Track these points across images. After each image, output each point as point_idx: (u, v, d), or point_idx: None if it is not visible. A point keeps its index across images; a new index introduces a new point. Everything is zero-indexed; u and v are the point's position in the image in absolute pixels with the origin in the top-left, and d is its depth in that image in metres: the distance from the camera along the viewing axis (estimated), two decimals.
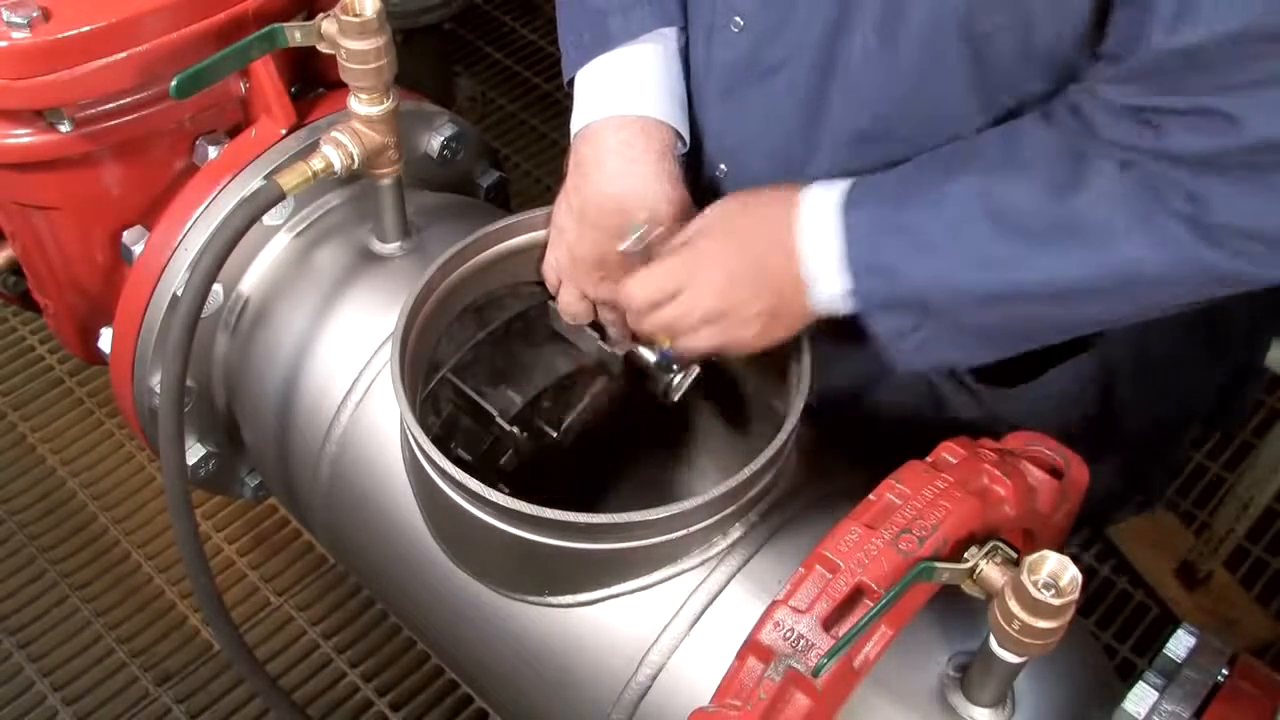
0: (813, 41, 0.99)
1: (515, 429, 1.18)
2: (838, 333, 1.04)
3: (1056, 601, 0.80)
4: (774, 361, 1.17)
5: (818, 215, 1.00)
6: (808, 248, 1.00)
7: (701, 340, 1.07)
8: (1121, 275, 0.90)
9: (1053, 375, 1.12)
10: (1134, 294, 0.93)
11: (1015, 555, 0.87)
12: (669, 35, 1.12)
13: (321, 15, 1.22)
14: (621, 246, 1.10)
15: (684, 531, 1.05)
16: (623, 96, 1.10)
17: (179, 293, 1.31)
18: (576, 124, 1.12)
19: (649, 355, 1.17)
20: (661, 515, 1.02)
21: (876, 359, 1.03)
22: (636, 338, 1.16)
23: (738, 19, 1.03)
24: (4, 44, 1.17)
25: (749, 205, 1.05)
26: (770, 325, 1.05)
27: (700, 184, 1.18)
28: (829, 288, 1.00)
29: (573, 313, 1.19)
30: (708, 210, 1.07)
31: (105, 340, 1.44)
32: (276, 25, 1.22)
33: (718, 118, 1.12)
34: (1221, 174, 0.84)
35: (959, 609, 0.95)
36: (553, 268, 1.19)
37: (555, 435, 1.26)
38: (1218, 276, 0.89)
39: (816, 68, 1.00)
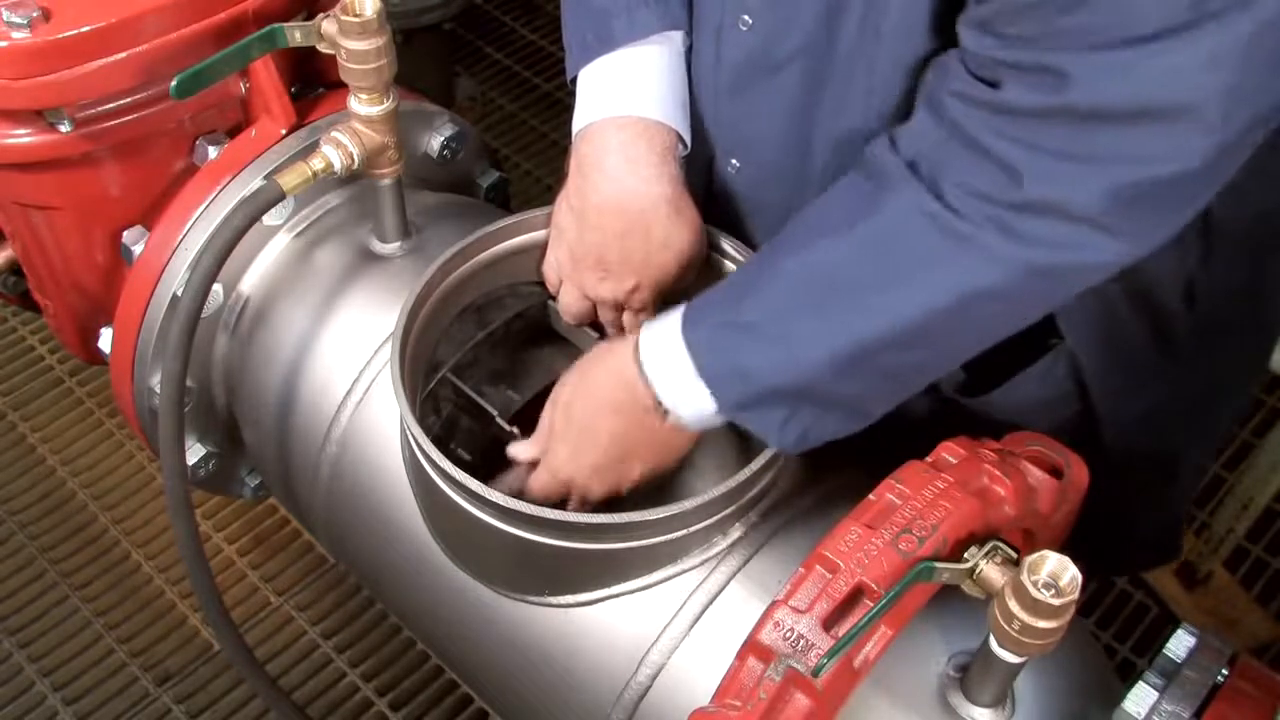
0: (817, 36, 1.00)
1: (515, 429, 1.18)
2: None
3: (1056, 601, 0.80)
4: None
5: (659, 347, 1.02)
6: (657, 381, 1.02)
7: (598, 494, 1.11)
8: (951, 296, 0.89)
9: (1020, 379, 1.12)
10: (971, 315, 0.92)
11: (1015, 555, 0.87)
12: (673, 38, 1.12)
13: (321, 15, 1.22)
14: None
15: (684, 531, 1.05)
16: (625, 97, 1.10)
17: (179, 293, 1.31)
18: (578, 124, 1.12)
19: None
20: (661, 515, 1.02)
21: None
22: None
23: (746, 17, 1.04)
24: (4, 44, 1.17)
25: (590, 370, 1.09)
26: (660, 457, 1.09)
27: (711, 181, 1.18)
28: (695, 407, 1.01)
29: (573, 313, 1.19)
30: (556, 391, 1.11)
31: (105, 340, 1.44)
32: (276, 25, 1.22)
33: (728, 114, 1.12)
34: (1042, 135, 0.83)
35: (959, 609, 0.95)
36: (553, 267, 1.19)
37: None
38: (1036, 272, 0.87)
39: (821, 62, 1.01)
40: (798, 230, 0.98)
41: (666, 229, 1.10)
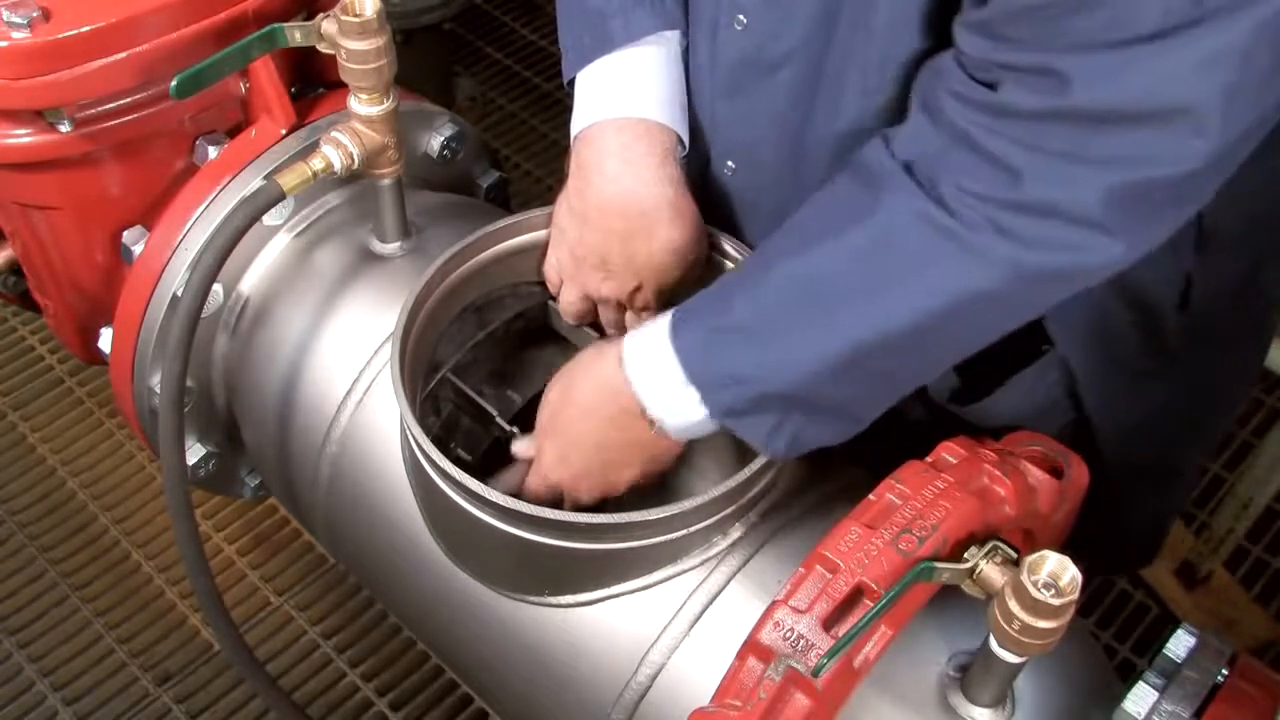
0: (812, 36, 1.00)
1: (515, 429, 1.18)
2: None
3: (1056, 601, 0.80)
4: None
5: (645, 354, 1.01)
6: (644, 390, 1.01)
7: (586, 500, 1.12)
8: (947, 298, 0.89)
9: (1010, 386, 1.11)
10: (966, 318, 0.91)
11: (1015, 555, 0.87)
12: (670, 38, 1.12)
13: (321, 15, 1.22)
14: None
15: (684, 531, 1.05)
16: (623, 99, 1.10)
17: (179, 293, 1.31)
18: (576, 126, 1.12)
19: None
20: (661, 515, 1.02)
21: None
22: None
23: (741, 17, 1.04)
24: (4, 44, 1.17)
25: (576, 377, 1.08)
26: (647, 465, 1.09)
27: (707, 182, 1.18)
28: (683, 415, 1.01)
29: (574, 313, 1.19)
30: (546, 393, 1.11)
31: (105, 340, 1.44)
32: (276, 25, 1.22)
33: (724, 115, 1.12)
34: (1042, 137, 0.83)
35: (959, 609, 0.96)
36: (554, 268, 1.19)
37: None
38: (1033, 274, 0.87)
39: (815, 62, 1.01)
40: (790, 233, 0.98)
41: (668, 230, 1.10)
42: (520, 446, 1.16)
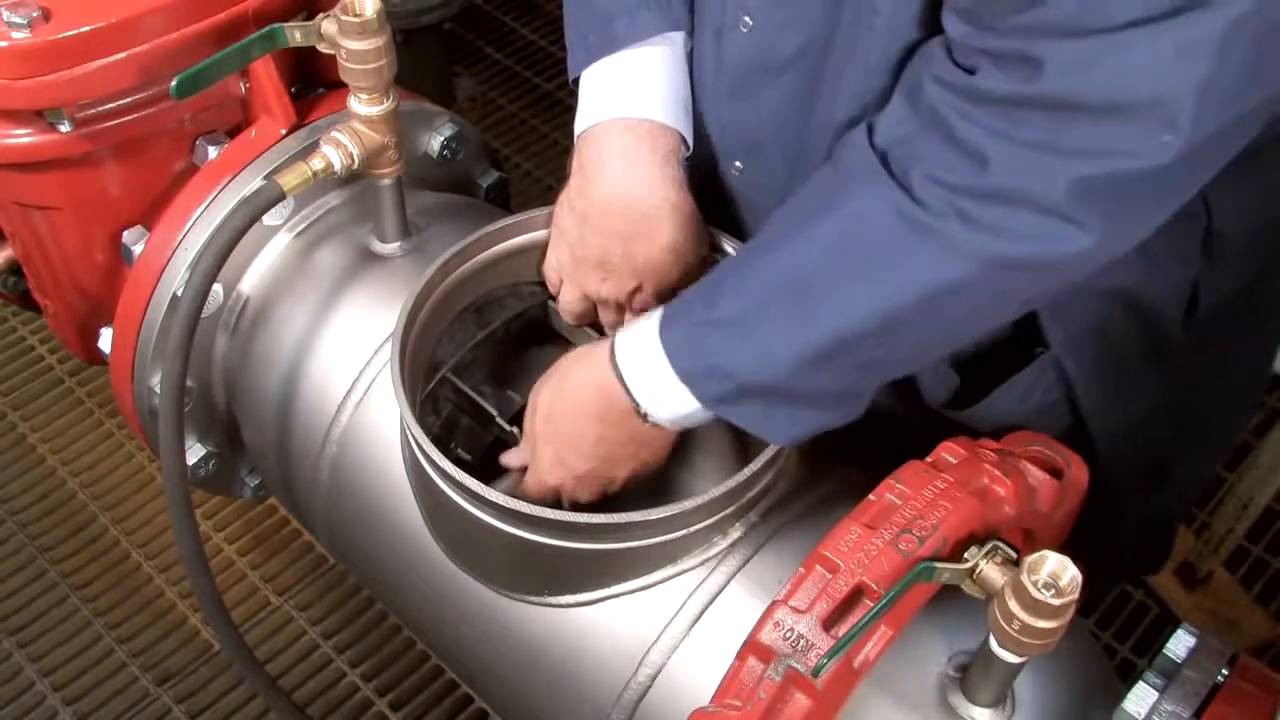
0: (816, 36, 1.00)
1: (515, 429, 1.18)
2: None
3: (1056, 601, 0.80)
4: None
5: (635, 351, 1.02)
6: (635, 386, 1.02)
7: (585, 498, 1.12)
8: (917, 291, 0.89)
9: (1004, 391, 1.11)
10: (940, 310, 0.91)
11: (1015, 555, 0.87)
12: (675, 39, 1.12)
13: (321, 15, 1.22)
14: None
15: (684, 531, 1.05)
16: (628, 99, 1.10)
17: (179, 293, 1.31)
18: (581, 125, 1.12)
19: None
20: (661, 515, 1.02)
21: None
22: None
23: (746, 19, 1.04)
24: (4, 44, 1.17)
25: (567, 377, 1.09)
26: (644, 458, 1.10)
27: (714, 183, 1.18)
28: (674, 408, 1.01)
29: (574, 313, 1.19)
30: (533, 398, 1.11)
31: (105, 340, 1.44)
32: (276, 25, 1.22)
33: (731, 116, 1.12)
34: (1013, 123, 0.82)
35: (959, 609, 0.95)
36: (554, 268, 1.19)
37: None
38: (1002, 264, 0.86)
39: (819, 61, 1.01)
40: (771, 226, 0.98)
41: (670, 232, 1.10)
42: (512, 457, 1.16)
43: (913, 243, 0.87)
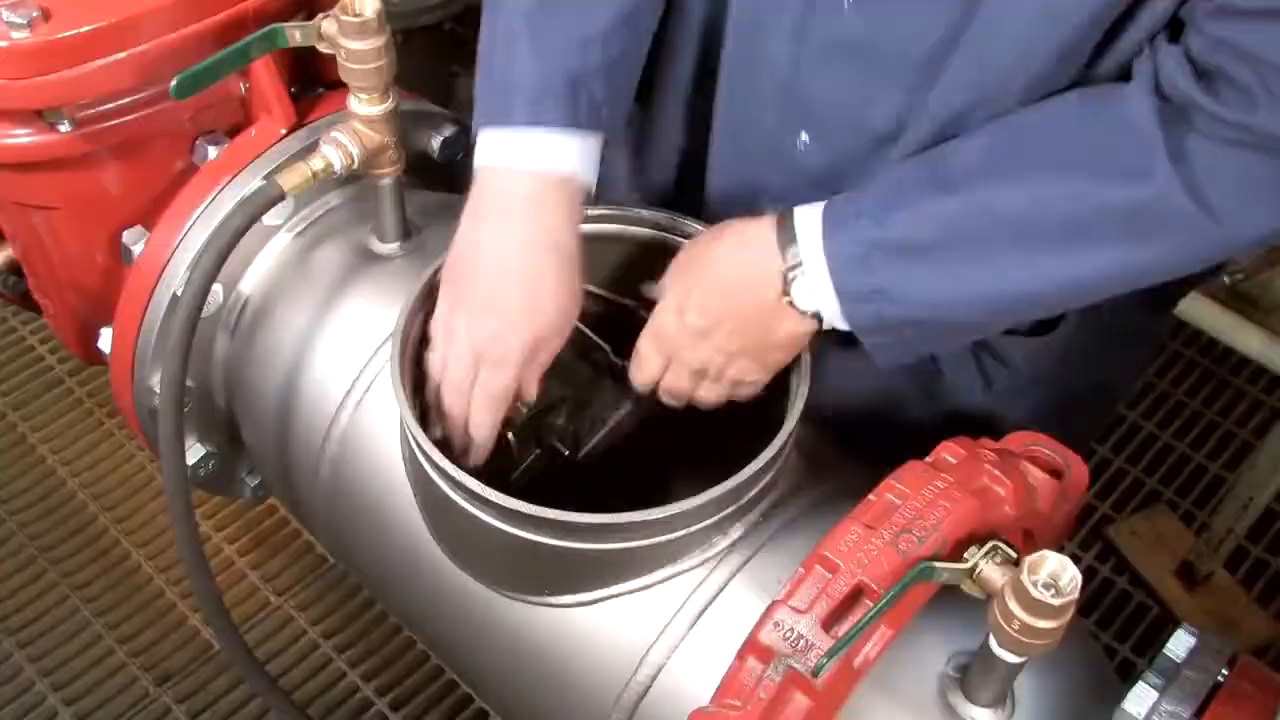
0: (935, 25, 0.94)
1: (510, 435, 1.18)
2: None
3: (1056, 601, 0.80)
4: None
5: (801, 246, 0.99)
6: (796, 286, 1.00)
7: (712, 396, 1.11)
8: (1180, 262, 0.92)
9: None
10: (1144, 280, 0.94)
11: (1015, 555, 0.87)
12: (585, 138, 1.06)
13: (321, 15, 1.22)
14: None
15: (684, 531, 1.05)
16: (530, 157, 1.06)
17: (179, 293, 1.31)
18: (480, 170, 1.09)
19: None
20: (661, 515, 1.02)
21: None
22: None
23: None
24: (4, 44, 1.17)
25: (724, 252, 1.05)
26: (777, 359, 1.07)
27: (777, 151, 1.11)
28: (827, 314, 1.01)
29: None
30: (678, 269, 1.07)
31: (105, 340, 1.44)
32: (276, 25, 1.22)
33: (808, 85, 1.05)
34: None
35: (959, 609, 0.95)
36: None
37: (567, 454, 1.25)
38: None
39: (941, 40, 0.95)
40: (999, 157, 0.93)
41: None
42: (642, 372, 1.12)
43: (1204, 227, 0.87)
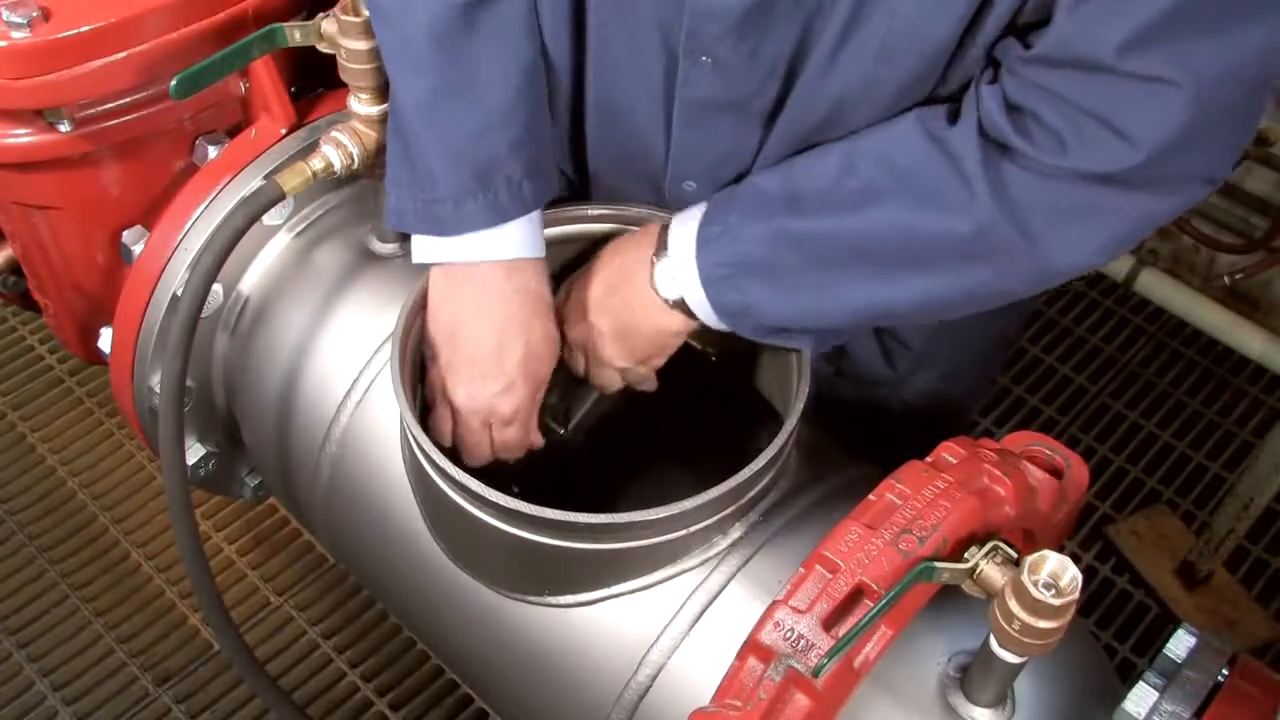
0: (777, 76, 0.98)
1: None
2: None
3: (1056, 601, 0.80)
4: (776, 363, 1.17)
5: (672, 266, 1.07)
6: (667, 292, 1.08)
7: (603, 380, 1.18)
8: (992, 288, 0.98)
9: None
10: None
11: (1015, 555, 0.87)
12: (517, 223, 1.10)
13: (321, 15, 1.22)
14: None
15: (684, 531, 1.05)
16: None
17: (179, 293, 1.31)
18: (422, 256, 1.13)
19: None
20: (661, 515, 1.02)
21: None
22: None
23: (706, 59, 0.97)
24: (4, 44, 1.17)
25: (615, 263, 1.13)
26: (644, 349, 1.14)
27: (664, 199, 1.15)
28: (701, 315, 1.08)
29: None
30: (583, 279, 1.15)
31: (105, 340, 1.44)
32: (276, 25, 1.22)
33: (683, 143, 1.07)
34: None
35: (959, 609, 0.96)
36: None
37: (562, 432, 1.26)
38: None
39: (782, 95, 1.00)
40: (814, 182, 0.99)
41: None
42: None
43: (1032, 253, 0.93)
